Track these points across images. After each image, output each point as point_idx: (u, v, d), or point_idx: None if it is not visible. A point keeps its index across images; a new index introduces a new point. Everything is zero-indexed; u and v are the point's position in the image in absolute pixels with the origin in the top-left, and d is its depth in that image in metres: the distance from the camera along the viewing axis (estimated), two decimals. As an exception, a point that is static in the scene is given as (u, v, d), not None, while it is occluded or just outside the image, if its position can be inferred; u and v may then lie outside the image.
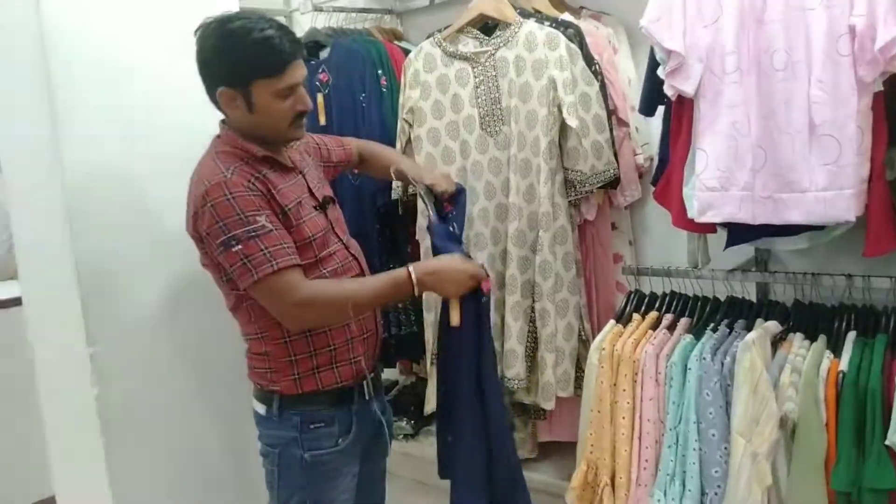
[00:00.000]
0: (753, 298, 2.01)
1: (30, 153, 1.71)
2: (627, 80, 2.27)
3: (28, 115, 1.68)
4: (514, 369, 2.07)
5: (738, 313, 1.90)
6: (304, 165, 1.67)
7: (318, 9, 2.66)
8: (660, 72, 1.73)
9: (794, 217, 1.62)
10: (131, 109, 1.84)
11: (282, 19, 2.97)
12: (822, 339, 1.72)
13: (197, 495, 2.00)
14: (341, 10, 2.75)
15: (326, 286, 1.52)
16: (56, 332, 1.83)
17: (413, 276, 1.51)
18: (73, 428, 1.84)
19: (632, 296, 2.04)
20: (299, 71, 1.50)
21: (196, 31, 1.48)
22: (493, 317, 2.12)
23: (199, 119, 1.61)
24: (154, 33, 1.88)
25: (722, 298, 1.96)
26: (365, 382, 1.64)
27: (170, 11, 1.90)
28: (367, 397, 1.64)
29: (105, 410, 1.80)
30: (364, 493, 1.73)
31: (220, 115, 1.57)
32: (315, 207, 1.61)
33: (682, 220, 1.79)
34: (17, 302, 1.95)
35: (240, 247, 1.41)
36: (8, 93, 1.65)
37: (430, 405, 2.22)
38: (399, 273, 1.53)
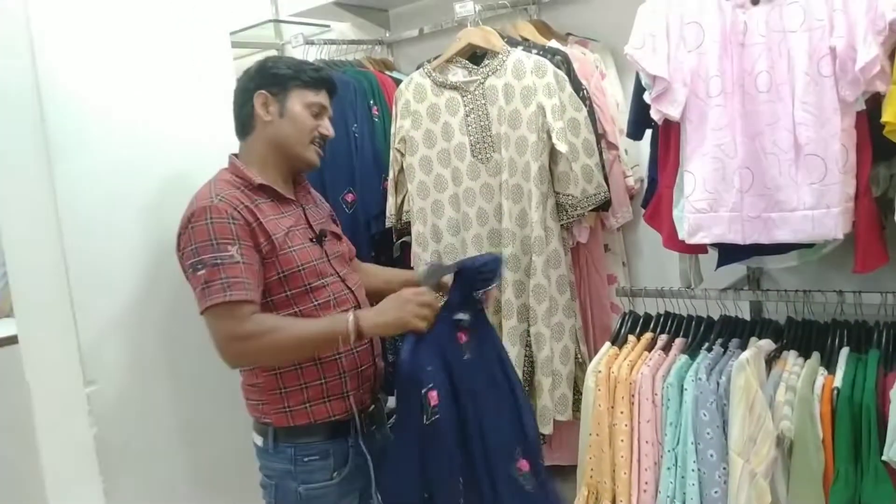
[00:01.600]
0: (747, 317, 2.03)
1: (26, 196, 1.73)
2: (616, 103, 2.30)
3: (23, 160, 1.71)
4: (511, 394, 2.07)
5: (733, 332, 1.91)
6: (308, 203, 1.71)
7: (309, 42, 2.70)
8: (646, 96, 1.76)
9: (783, 236, 1.64)
10: (126, 161, 1.86)
11: (274, 52, 3.04)
12: (815, 356, 1.73)
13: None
14: (332, 42, 2.79)
15: (268, 325, 1.47)
16: (53, 370, 1.84)
17: (353, 314, 1.48)
18: (71, 467, 1.84)
19: (626, 317, 2.05)
20: (330, 101, 1.68)
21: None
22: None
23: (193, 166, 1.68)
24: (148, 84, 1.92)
25: (716, 318, 1.97)
26: (362, 415, 1.63)
27: (165, 61, 1.95)
28: (363, 431, 1.63)
29: (104, 450, 1.79)
30: None
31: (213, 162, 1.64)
32: (311, 239, 1.63)
33: (672, 241, 1.81)
34: (13, 340, 1.96)
35: (204, 272, 1.44)
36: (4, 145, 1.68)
37: None
38: (333, 324, 1.49)
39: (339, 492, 1.61)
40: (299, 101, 1.61)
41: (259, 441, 1.63)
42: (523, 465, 1.58)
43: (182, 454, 1.96)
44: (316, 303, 1.57)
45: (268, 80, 1.61)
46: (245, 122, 1.64)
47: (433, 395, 1.46)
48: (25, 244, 1.78)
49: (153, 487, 1.89)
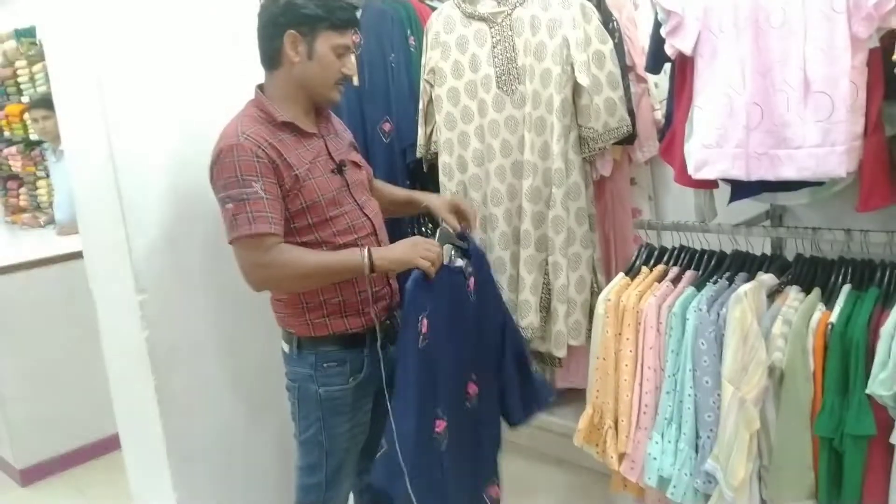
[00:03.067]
0: (767, 252, 2.05)
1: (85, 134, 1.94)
2: (648, 36, 2.29)
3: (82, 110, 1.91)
4: (527, 318, 2.18)
5: (742, 267, 1.94)
6: (329, 133, 1.80)
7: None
8: (661, 31, 1.77)
9: (788, 173, 1.65)
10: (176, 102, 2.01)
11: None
12: (816, 291, 1.75)
13: (239, 424, 2.22)
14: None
15: (288, 256, 1.60)
16: (110, 281, 2.05)
17: (367, 249, 1.63)
18: (128, 368, 2.08)
19: (642, 249, 2.11)
20: (354, 38, 1.71)
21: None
22: (509, 269, 2.23)
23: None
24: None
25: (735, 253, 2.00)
26: (377, 329, 1.76)
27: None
28: (380, 343, 1.77)
29: (154, 351, 2.01)
30: (381, 424, 1.85)
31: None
32: (332, 170, 1.73)
33: (683, 176, 1.84)
34: (80, 255, 2.20)
35: (231, 206, 1.56)
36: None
37: None
38: (352, 257, 1.63)
39: (354, 395, 1.77)
40: (327, 44, 1.65)
41: (286, 348, 1.80)
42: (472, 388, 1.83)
43: (222, 356, 2.17)
44: (334, 230, 1.69)
45: (298, 18, 1.63)
46: (273, 57, 1.68)
47: (425, 322, 1.63)
48: (85, 170, 2.00)
49: (197, 385, 2.10)
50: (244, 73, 1.86)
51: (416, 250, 1.66)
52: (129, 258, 1.96)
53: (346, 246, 1.69)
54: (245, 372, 2.22)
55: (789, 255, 2.00)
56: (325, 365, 1.74)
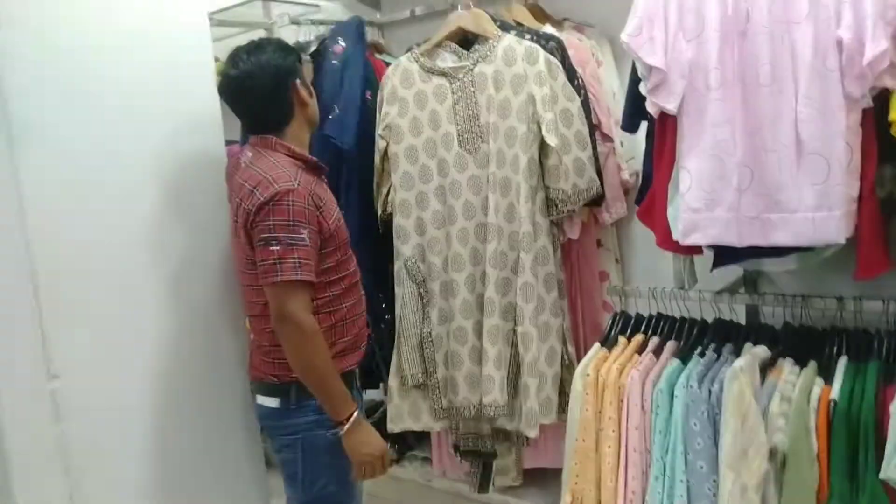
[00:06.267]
0: (743, 320, 1.94)
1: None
2: (612, 93, 2.20)
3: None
4: (490, 395, 1.99)
5: (726, 336, 1.83)
6: None
7: (295, 22, 2.60)
8: (641, 88, 1.66)
9: (782, 238, 1.56)
10: (96, 145, 1.78)
11: (262, 32, 2.94)
12: (812, 364, 1.65)
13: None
14: (322, 23, 2.69)
15: (319, 334, 1.66)
16: (18, 360, 1.75)
17: (354, 416, 1.69)
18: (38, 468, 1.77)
19: (617, 318, 1.98)
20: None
21: (237, 60, 1.70)
22: (472, 340, 2.05)
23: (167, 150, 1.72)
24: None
25: (710, 320, 1.89)
26: (357, 370, 1.84)
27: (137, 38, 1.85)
28: (358, 384, 1.85)
29: (70, 448, 1.72)
30: None
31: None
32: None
33: (667, 241, 1.72)
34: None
35: (278, 248, 1.59)
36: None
37: (393, 424, 2.17)
38: (349, 401, 1.69)
39: None
40: (306, 81, 1.80)
41: (274, 402, 1.75)
42: None
43: (152, 454, 1.89)
44: (350, 270, 1.79)
45: (293, 68, 1.74)
46: (287, 112, 1.74)
47: None
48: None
49: (119, 488, 1.82)
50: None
51: (375, 460, 1.72)
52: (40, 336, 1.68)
53: (356, 285, 1.81)
54: (184, 470, 1.93)
55: (766, 323, 1.91)
56: None
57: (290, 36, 2.66)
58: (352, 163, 2.23)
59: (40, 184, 1.67)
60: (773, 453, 1.56)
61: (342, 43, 2.27)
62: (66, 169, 1.72)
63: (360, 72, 2.23)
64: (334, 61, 2.25)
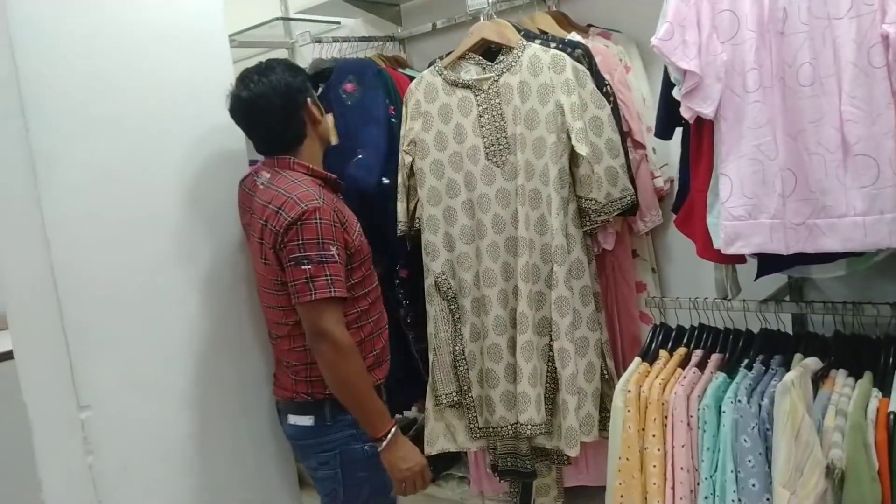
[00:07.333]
0: (789, 330, 1.86)
1: (12, 202, 1.63)
2: (642, 99, 2.15)
3: (9, 172, 1.61)
4: (526, 413, 1.94)
5: (774, 348, 1.75)
6: None
7: (317, 40, 2.58)
8: (675, 93, 1.60)
9: (831, 245, 1.48)
10: (117, 161, 1.76)
11: (284, 51, 2.93)
12: (867, 375, 1.57)
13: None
14: (345, 39, 2.68)
15: (354, 346, 1.66)
16: (48, 391, 1.73)
17: (392, 431, 1.67)
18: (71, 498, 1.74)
19: (657, 330, 1.90)
20: None
21: (248, 82, 1.70)
22: (506, 357, 2.00)
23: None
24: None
25: (755, 331, 1.81)
26: (382, 386, 1.82)
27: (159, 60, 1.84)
28: (384, 399, 1.80)
29: (102, 478, 1.69)
30: None
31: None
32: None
33: (708, 250, 1.66)
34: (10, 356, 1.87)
35: (310, 267, 1.59)
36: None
37: (430, 447, 2.11)
38: (387, 417, 1.69)
39: None
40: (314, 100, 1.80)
41: (309, 420, 1.75)
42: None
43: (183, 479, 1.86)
44: (374, 285, 1.80)
45: (304, 87, 1.75)
46: (299, 134, 1.74)
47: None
48: (14, 257, 1.68)
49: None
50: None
51: (416, 476, 1.70)
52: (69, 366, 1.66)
53: (379, 300, 1.82)
54: (217, 495, 1.90)
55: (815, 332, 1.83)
56: None
57: (307, 53, 2.66)
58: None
59: (63, 209, 1.67)
60: (829, 470, 1.48)
61: (354, 83, 2.26)
62: (88, 194, 1.71)
63: (383, 127, 2.24)
64: (345, 98, 2.26)
